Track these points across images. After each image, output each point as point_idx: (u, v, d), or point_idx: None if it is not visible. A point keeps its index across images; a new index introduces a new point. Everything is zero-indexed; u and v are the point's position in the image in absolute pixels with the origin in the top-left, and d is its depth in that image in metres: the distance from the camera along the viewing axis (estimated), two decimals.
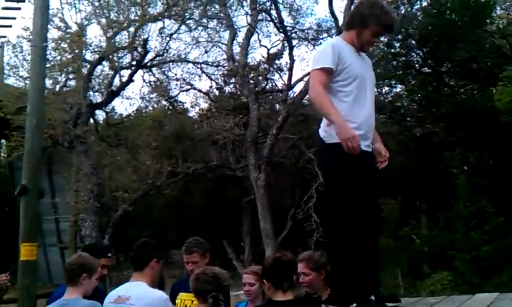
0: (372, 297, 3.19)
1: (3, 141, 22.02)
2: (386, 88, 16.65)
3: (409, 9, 15.73)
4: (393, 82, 16.15)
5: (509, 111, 9.88)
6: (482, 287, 7.94)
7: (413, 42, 15.89)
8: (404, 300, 3.45)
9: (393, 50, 16.17)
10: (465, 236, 10.01)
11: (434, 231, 12.40)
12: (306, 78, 15.43)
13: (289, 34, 15.22)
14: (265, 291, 3.28)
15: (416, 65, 16.56)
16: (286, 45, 15.62)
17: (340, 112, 3.22)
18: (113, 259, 5.33)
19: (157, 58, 16.58)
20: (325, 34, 16.28)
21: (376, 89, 17.54)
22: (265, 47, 16.94)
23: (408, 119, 16.65)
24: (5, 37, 19.29)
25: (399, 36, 16.10)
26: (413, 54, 16.43)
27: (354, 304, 3.06)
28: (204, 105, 19.98)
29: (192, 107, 19.71)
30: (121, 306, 3.21)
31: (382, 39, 16.59)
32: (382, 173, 3.62)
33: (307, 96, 15.50)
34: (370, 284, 3.28)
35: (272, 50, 17.06)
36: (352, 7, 3.78)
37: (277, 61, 17.51)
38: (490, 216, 9.86)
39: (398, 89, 17.00)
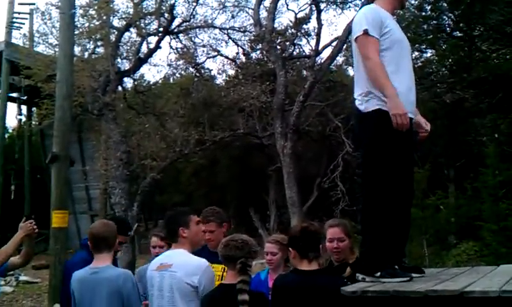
0: (396, 267, 3.19)
1: (34, 109, 22.47)
2: (416, 53, 16.24)
3: None
4: (423, 47, 15.74)
5: None
6: (509, 258, 7.83)
7: (445, 4, 15.41)
8: (427, 271, 3.43)
9: (423, 13, 15.74)
10: (493, 206, 9.84)
11: (461, 200, 12.24)
12: (334, 44, 15.17)
13: None
14: (291, 259, 3.31)
15: (448, 29, 16.09)
16: (314, 9, 15.32)
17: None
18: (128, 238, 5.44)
19: (184, 24, 16.52)
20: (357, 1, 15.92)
21: None
22: (293, 11, 16.70)
23: (438, 85, 16.28)
24: (34, 4, 19.55)
25: None
26: (445, 17, 15.95)
27: (379, 273, 3.07)
28: (231, 72, 19.97)
29: (219, 74, 19.69)
30: (163, 273, 3.26)
31: (412, 2, 16.28)
32: (416, 143, 3.65)
33: (334, 61, 15.33)
34: (397, 254, 3.29)
35: (300, 15, 16.81)
36: None
37: (304, 26, 17.29)
38: None
39: (428, 55, 16.58)
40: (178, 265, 3.24)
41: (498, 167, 10.53)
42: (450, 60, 15.22)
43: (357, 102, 3.38)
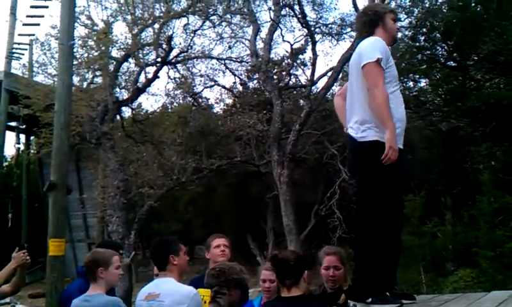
0: (388, 294, 3.25)
1: (32, 137, 22.59)
2: (411, 83, 16.52)
3: (434, 2, 15.57)
4: (417, 76, 16.01)
5: None
6: (506, 285, 7.86)
7: (438, 35, 15.72)
8: (419, 298, 3.50)
9: (417, 44, 16.05)
10: (489, 233, 9.92)
11: (458, 227, 12.31)
12: (329, 74, 15.41)
13: (312, 29, 15.18)
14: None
15: (442, 59, 16.39)
16: (309, 40, 15.60)
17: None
18: (129, 255, 5.50)
19: (182, 54, 16.79)
20: (349, 29, 16.22)
21: (400, 84, 17.50)
22: (288, 42, 17.00)
23: (434, 113, 16.50)
24: (34, 35, 19.80)
25: (424, 30, 15.96)
26: (438, 47, 16.27)
27: (370, 299, 3.12)
28: (228, 101, 20.18)
29: (216, 102, 19.89)
30: (152, 303, 3.31)
31: (406, 33, 16.58)
32: (407, 169, 3.73)
33: (330, 91, 15.53)
34: (388, 281, 3.35)
35: (296, 45, 17.12)
36: (358, 19, 3.84)
37: (300, 56, 17.57)
38: None
39: (422, 84, 16.84)
40: (166, 294, 3.29)
41: (493, 194, 10.63)
42: (444, 89, 15.45)
43: (351, 131, 3.46)
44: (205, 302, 3.56)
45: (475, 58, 15.31)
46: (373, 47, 3.41)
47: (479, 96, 13.50)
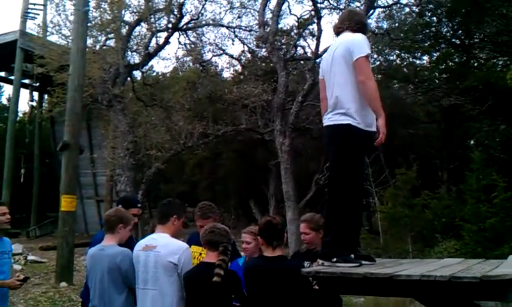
0: (352, 255, 3.83)
1: (45, 96, 23.14)
2: (415, 59, 16.84)
3: None
4: (418, 54, 16.30)
5: None
6: (485, 256, 8.39)
7: (444, 12, 15.92)
8: (378, 260, 4.08)
9: (424, 19, 16.24)
10: (473, 208, 10.45)
11: (446, 201, 12.84)
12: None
13: (318, 4, 15.39)
14: (261, 246, 3.97)
15: (447, 35, 16.58)
16: (314, 15, 15.86)
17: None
18: (142, 210, 6.09)
19: (192, 21, 17.11)
20: (357, 3, 16.45)
21: (403, 58, 17.69)
22: (295, 15, 17.29)
23: (438, 89, 16.84)
24: None
25: (431, 6, 16.13)
26: (443, 25, 16.49)
27: (335, 258, 3.69)
28: (237, 67, 20.55)
29: (226, 68, 20.09)
30: (149, 253, 3.86)
31: (414, 9, 16.79)
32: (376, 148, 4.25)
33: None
34: (353, 245, 3.92)
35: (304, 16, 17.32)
36: (350, 14, 4.27)
37: (310, 27, 17.79)
38: (500, 190, 10.24)
39: (424, 61, 17.14)
40: (162, 246, 3.87)
41: (482, 171, 11.14)
42: (444, 67, 15.77)
43: (328, 120, 3.95)
44: (194, 257, 4.17)
45: (479, 37, 15.57)
46: (362, 42, 3.80)
47: (477, 75, 13.85)
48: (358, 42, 3.80)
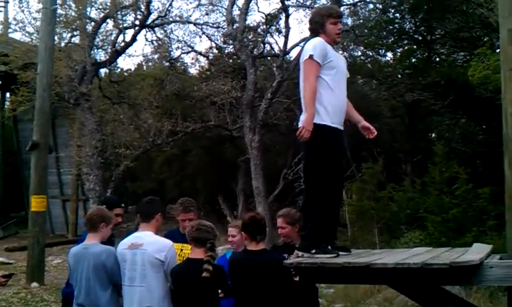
0: (329, 247, 4.05)
1: (8, 94, 22.63)
2: (379, 56, 17.26)
3: None
4: (382, 50, 16.74)
5: (481, 86, 10.68)
6: (449, 246, 8.76)
7: (407, 9, 16.39)
8: (354, 251, 4.33)
9: (387, 16, 16.67)
10: (437, 200, 10.91)
11: (410, 193, 13.34)
12: (302, 44, 15.97)
13: (286, 1, 15.64)
14: (244, 241, 4.15)
15: (410, 32, 17.07)
16: (282, 13, 16.09)
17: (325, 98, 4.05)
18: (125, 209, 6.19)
19: (160, 18, 17.07)
20: (323, 0, 16.76)
21: (368, 55, 18.09)
22: (263, 12, 17.44)
23: (402, 84, 17.33)
24: None
25: (394, 2, 16.57)
26: (407, 22, 16.96)
27: (314, 250, 3.90)
28: (204, 64, 20.59)
29: (192, 64, 20.06)
30: (135, 251, 3.98)
31: (378, 6, 17.20)
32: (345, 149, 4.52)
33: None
34: (330, 237, 4.14)
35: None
36: (308, 24, 4.54)
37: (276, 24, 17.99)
38: (461, 182, 10.72)
39: (388, 58, 17.60)
40: (148, 244, 4.01)
41: (445, 164, 11.61)
42: (407, 63, 16.24)
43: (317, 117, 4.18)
44: (178, 254, 4.32)
45: (440, 34, 16.11)
46: (310, 46, 4.12)
47: (439, 71, 14.36)
48: (306, 48, 4.18)
